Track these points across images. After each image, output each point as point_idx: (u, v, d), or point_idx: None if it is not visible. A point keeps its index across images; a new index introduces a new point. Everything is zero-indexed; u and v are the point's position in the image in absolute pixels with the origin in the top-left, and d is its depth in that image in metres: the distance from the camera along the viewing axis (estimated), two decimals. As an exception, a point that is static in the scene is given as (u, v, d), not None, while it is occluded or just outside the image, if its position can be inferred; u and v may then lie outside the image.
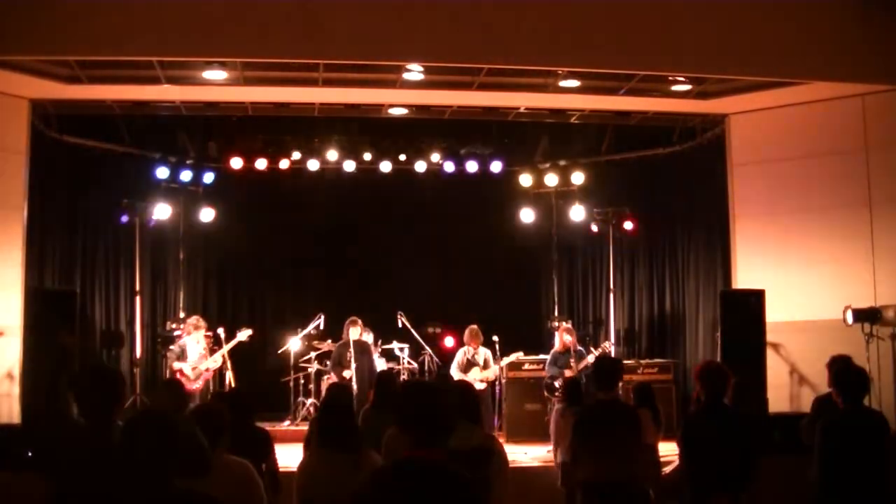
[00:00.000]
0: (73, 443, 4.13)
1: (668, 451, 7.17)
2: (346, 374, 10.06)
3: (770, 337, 9.91)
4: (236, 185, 12.60)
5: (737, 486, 5.55)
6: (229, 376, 10.51)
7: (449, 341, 11.94)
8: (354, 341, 10.41)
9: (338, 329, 11.16)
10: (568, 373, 9.80)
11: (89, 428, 4.02)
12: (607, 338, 11.81)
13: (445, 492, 2.91)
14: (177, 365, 9.77)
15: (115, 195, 11.54)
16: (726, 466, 5.49)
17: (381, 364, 11.03)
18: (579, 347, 10.19)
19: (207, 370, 9.98)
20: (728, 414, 5.77)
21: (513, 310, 13.57)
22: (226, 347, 10.14)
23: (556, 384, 9.77)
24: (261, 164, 12.26)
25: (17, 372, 9.56)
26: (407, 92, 10.30)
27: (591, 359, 9.81)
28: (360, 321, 10.63)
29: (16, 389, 9.52)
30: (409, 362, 11.70)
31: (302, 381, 11.77)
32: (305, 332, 11.66)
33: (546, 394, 10.09)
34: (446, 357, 11.39)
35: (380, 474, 3.01)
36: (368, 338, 10.72)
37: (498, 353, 10.90)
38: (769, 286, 10.25)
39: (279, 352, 11.71)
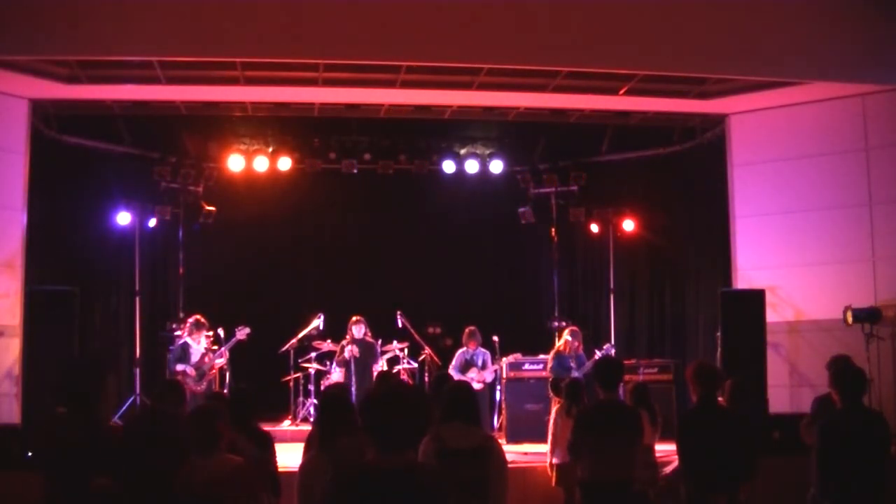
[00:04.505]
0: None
1: (668, 451, 7.17)
2: (347, 350, 10.26)
3: (770, 337, 9.91)
4: (236, 185, 12.59)
5: (734, 485, 5.56)
6: (229, 376, 10.51)
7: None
8: (357, 340, 10.43)
9: (338, 329, 11.18)
10: None
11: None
12: (607, 339, 11.80)
13: (411, 498, 2.96)
14: (179, 366, 9.70)
15: (115, 195, 11.53)
16: (722, 465, 5.50)
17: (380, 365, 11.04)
18: (580, 353, 10.12)
19: (213, 369, 9.95)
20: (722, 413, 5.80)
21: (513, 310, 13.59)
22: (226, 347, 10.07)
23: (563, 385, 9.68)
24: (261, 163, 12.26)
25: (17, 372, 9.57)
26: (407, 92, 10.30)
27: (589, 364, 9.74)
28: (363, 320, 10.64)
29: (15, 389, 9.53)
30: (408, 362, 11.70)
31: (302, 381, 11.77)
32: (305, 332, 11.65)
33: (552, 393, 9.93)
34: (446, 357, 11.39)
35: (346, 481, 3.03)
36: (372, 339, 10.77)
37: (497, 354, 10.89)
38: (769, 286, 10.26)
39: (279, 352, 11.70)
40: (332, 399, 4.94)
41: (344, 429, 4.49)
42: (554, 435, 7.53)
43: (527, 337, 12.10)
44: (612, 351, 10.66)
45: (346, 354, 10.43)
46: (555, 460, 7.47)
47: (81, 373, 4.54)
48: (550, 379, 9.96)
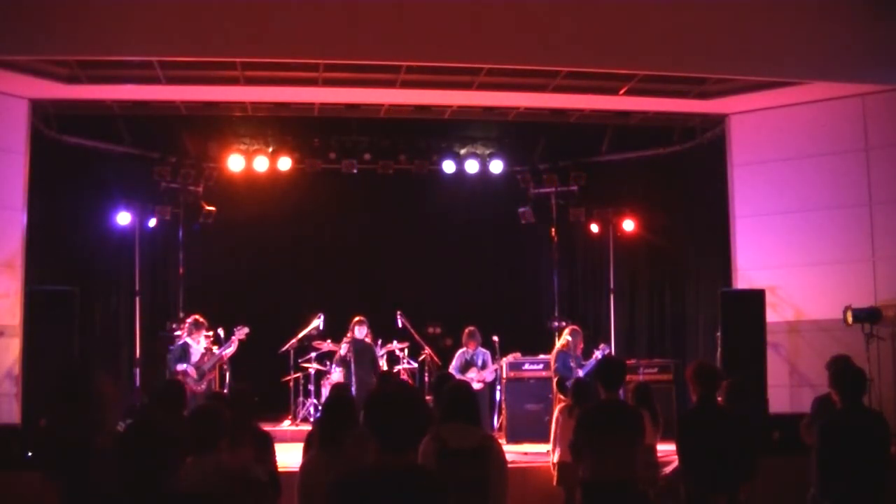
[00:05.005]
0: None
1: (668, 451, 7.17)
2: (344, 348, 10.28)
3: (770, 337, 9.91)
4: (236, 185, 12.59)
5: (734, 485, 5.56)
6: (229, 376, 10.51)
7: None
8: (356, 340, 10.43)
9: (338, 329, 11.18)
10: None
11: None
12: (607, 339, 11.78)
13: (411, 498, 2.99)
14: (179, 366, 9.69)
15: (115, 195, 11.53)
16: (722, 465, 5.50)
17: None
18: (579, 354, 10.11)
19: (223, 359, 9.94)
20: (721, 413, 5.80)
21: (513, 310, 13.59)
22: (235, 337, 10.02)
23: (569, 384, 9.67)
24: (261, 163, 12.26)
25: (16, 372, 9.57)
26: (407, 92, 10.30)
27: (590, 365, 9.73)
28: (366, 321, 10.64)
29: (15, 389, 9.52)
30: (408, 362, 11.70)
31: (302, 382, 11.77)
32: (305, 332, 11.65)
33: (558, 392, 9.84)
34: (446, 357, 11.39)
35: (347, 484, 3.04)
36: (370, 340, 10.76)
37: (498, 354, 10.89)
38: (769, 286, 10.26)
39: (279, 352, 11.71)
40: (336, 399, 4.93)
41: (346, 428, 4.49)
42: (556, 434, 7.53)
43: (527, 337, 12.10)
44: (608, 351, 10.66)
45: (343, 352, 10.43)
46: (555, 459, 7.48)
47: (73, 373, 4.55)
48: (556, 378, 9.96)
